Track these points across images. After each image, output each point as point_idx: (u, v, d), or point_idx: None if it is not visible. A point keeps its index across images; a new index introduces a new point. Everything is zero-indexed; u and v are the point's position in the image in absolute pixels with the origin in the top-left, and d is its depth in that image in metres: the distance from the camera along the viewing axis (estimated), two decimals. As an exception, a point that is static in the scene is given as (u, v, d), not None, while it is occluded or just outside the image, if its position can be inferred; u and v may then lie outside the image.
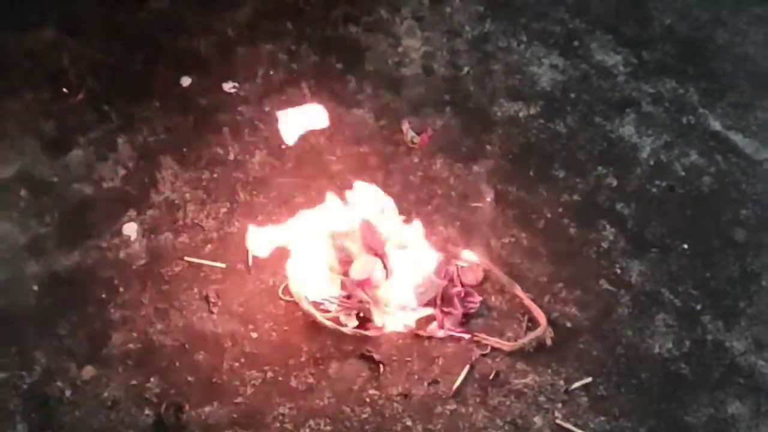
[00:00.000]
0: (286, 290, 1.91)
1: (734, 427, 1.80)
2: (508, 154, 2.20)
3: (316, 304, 1.87)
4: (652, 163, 2.20)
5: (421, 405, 1.79)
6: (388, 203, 1.98)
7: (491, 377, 1.83)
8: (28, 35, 2.33)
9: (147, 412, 1.77)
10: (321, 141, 2.18)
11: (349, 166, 2.15)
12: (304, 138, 2.18)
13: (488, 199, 2.08)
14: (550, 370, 1.85)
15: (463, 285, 1.93)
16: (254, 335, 1.87)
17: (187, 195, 2.07)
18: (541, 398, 1.82)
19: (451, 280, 1.93)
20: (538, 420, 1.79)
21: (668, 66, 2.40)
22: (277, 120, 2.19)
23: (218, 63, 2.33)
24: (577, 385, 1.83)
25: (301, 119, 2.13)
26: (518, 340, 1.87)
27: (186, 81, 2.29)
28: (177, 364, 1.83)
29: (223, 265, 1.96)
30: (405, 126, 2.21)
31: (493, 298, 1.94)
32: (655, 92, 2.34)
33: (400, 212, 2.02)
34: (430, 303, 1.90)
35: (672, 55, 2.43)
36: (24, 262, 1.95)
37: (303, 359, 1.84)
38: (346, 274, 1.90)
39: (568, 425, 1.78)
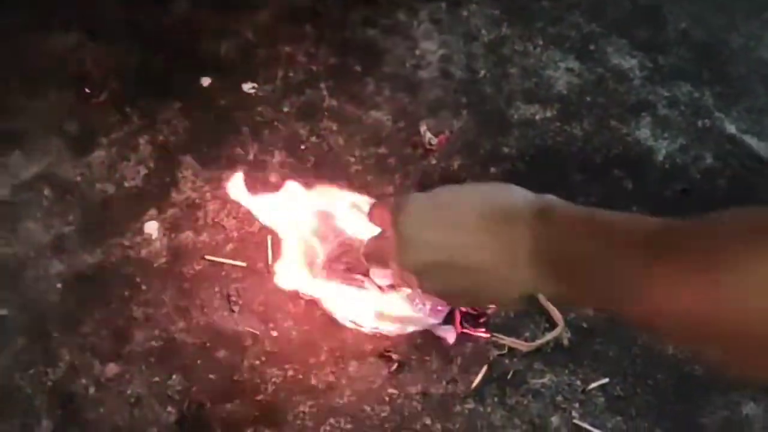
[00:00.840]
0: (306, 289, 1.93)
1: (749, 428, 1.82)
2: (524, 156, 2.22)
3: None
4: (667, 166, 2.22)
5: (440, 404, 1.82)
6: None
7: (509, 377, 1.86)
8: (52, 38, 2.36)
9: (169, 409, 1.80)
10: (340, 142, 2.21)
11: (367, 167, 2.17)
12: (322, 138, 2.21)
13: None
14: (567, 371, 1.87)
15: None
16: (274, 334, 1.90)
17: (208, 194, 2.10)
18: (559, 398, 1.84)
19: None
20: (555, 420, 1.81)
21: (683, 70, 2.42)
22: (295, 119, 2.22)
23: (238, 64, 2.35)
24: (594, 385, 1.86)
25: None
26: (536, 340, 1.89)
27: (206, 82, 2.31)
28: (198, 362, 1.86)
29: (244, 264, 1.98)
30: (422, 128, 2.23)
31: (510, 299, 1.96)
32: (670, 96, 2.36)
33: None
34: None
35: (687, 59, 2.45)
36: (48, 260, 1.98)
37: (323, 358, 1.87)
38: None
39: (585, 425, 1.80)
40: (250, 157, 2.17)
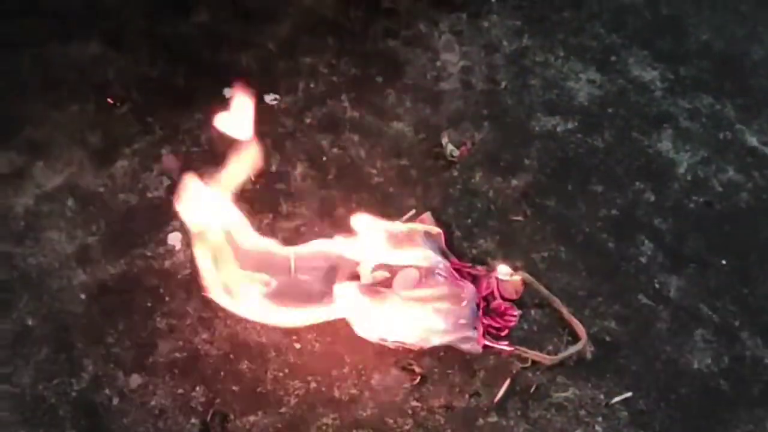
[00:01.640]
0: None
1: (773, 444, 1.82)
2: (546, 168, 2.22)
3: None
4: (689, 178, 2.21)
5: (463, 417, 1.81)
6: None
7: (532, 390, 1.85)
8: (74, 49, 2.37)
9: (193, 420, 1.80)
10: (361, 153, 2.21)
11: (388, 178, 2.17)
12: (344, 150, 2.22)
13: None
14: (590, 384, 1.87)
15: (502, 298, 1.95)
16: (297, 346, 1.90)
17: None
18: (582, 412, 1.83)
19: (492, 294, 1.95)
20: (578, 433, 1.81)
21: (705, 82, 2.42)
22: (316, 130, 2.23)
23: (259, 76, 2.36)
24: (617, 399, 1.85)
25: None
26: (558, 353, 1.89)
27: (228, 93, 2.31)
28: (222, 373, 1.86)
29: (267, 276, 1.98)
30: (444, 139, 2.23)
31: (532, 312, 1.96)
32: (691, 108, 2.36)
33: (439, 225, 2.05)
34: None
35: (708, 71, 2.45)
36: (71, 271, 1.99)
37: (346, 370, 1.87)
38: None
39: (608, 439, 1.80)
40: (273, 168, 2.17)
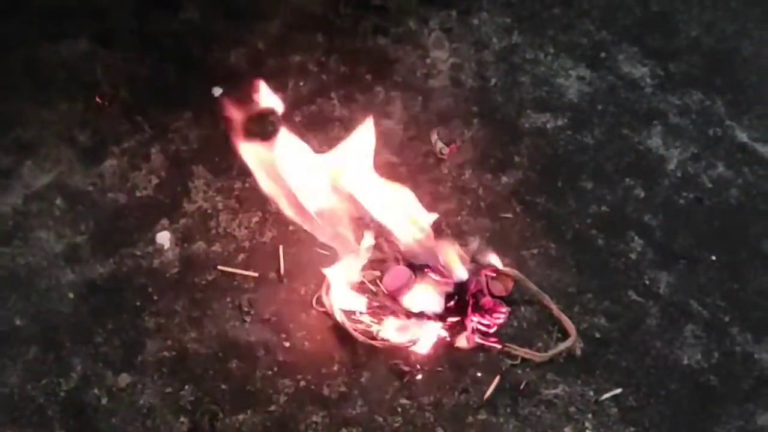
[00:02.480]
0: (319, 300, 1.93)
1: (764, 439, 1.82)
2: (536, 165, 2.22)
3: (349, 314, 1.89)
4: (679, 174, 2.21)
5: (453, 414, 1.81)
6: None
7: (521, 387, 1.85)
8: (63, 47, 2.37)
9: (182, 419, 1.79)
10: (351, 152, 2.20)
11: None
12: (334, 147, 2.20)
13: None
14: (579, 381, 1.87)
15: (492, 295, 1.95)
16: (287, 344, 1.89)
17: (220, 204, 2.10)
18: (572, 409, 1.83)
19: (481, 291, 1.94)
20: (568, 430, 1.80)
21: (695, 78, 2.41)
22: (306, 128, 2.23)
23: (249, 74, 2.35)
24: (607, 395, 1.85)
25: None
26: (548, 350, 1.89)
27: (217, 91, 2.31)
28: (211, 372, 1.86)
29: (256, 274, 1.98)
30: (434, 137, 2.23)
31: (522, 309, 1.96)
32: (681, 104, 2.35)
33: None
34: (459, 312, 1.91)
35: (698, 67, 2.44)
36: (60, 270, 1.99)
37: (335, 368, 1.86)
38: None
39: (598, 436, 1.80)
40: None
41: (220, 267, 1.99)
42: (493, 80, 2.38)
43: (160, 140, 2.21)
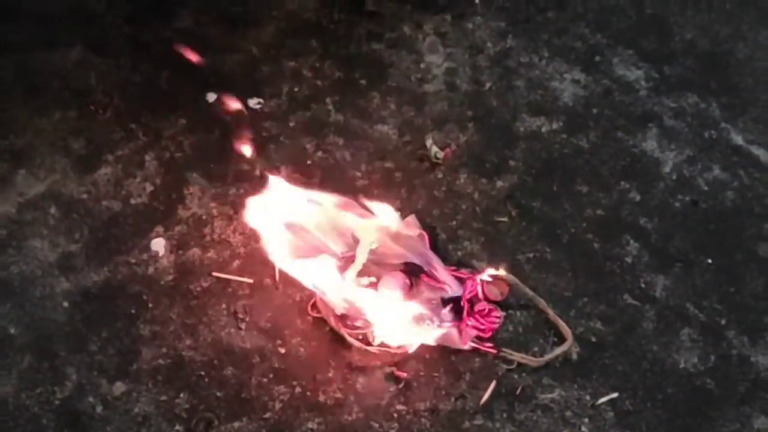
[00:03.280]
0: (314, 306, 1.92)
1: (760, 442, 1.82)
2: (531, 169, 2.21)
3: (343, 320, 1.89)
4: (674, 177, 2.21)
5: (449, 420, 1.81)
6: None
7: (518, 392, 1.84)
8: (56, 54, 2.36)
9: (177, 427, 1.79)
10: (346, 156, 2.20)
11: (373, 181, 2.17)
12: (328, 153, 2.21)
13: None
14: (576, 385, 1.86)
15: (487, 300, 1.94)
16: (282, 350, 1.89)
17: (214, 211, 2.09)
18: (568, 413, 1.83)
19: (476, 295, 1.94)
20: (565, 435, 1.80)
21: (690, 81, 2.41)
22: (301, 134, 2.23)
23: (243, 80, 2.35)
24: (603, 400, 1.84)
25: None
26: (544, 355, 1.88)
27: (211, 97, 2.31)
28: (206, 379, 1.85)
29: (251, 281, 1.97)
30: (428, 141, 2.23)
31: (518, 313, 1.95)
32: (676, 107, 2.35)
33: (424, 228, 2.04)
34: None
35: (693, 70, 2.44)
36: (54, 278, 1.98)
37: (331, 374, 1.86)
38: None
39: (595, 440, 1.80)
40: (257, 172, 2.16)
41: (215, 273, 1.99)
42: (488, 84, 2.38)
43: (154, 147, 2.20)
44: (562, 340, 1.90)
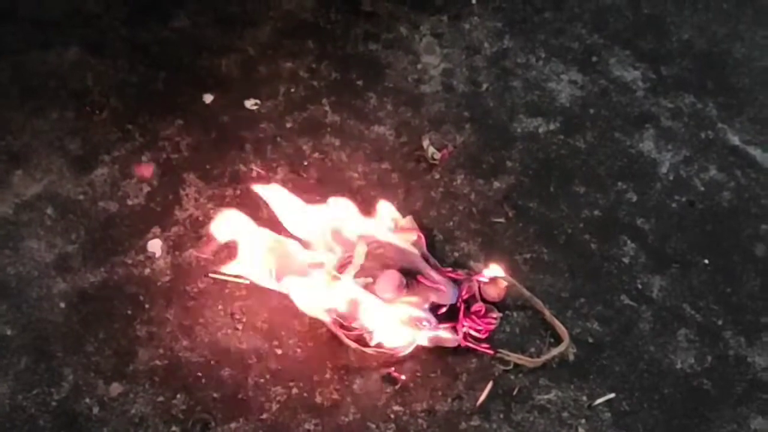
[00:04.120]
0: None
1: (757, 443, 1.82)
2: (528, 169, 2.21)
3: (340, 320, 1.88)
4: (671, 178, 2.21)
5: (446, 421, 1.81)
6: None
7: (514, 393, 1.84)
8: (52, 55, 2.35)
9: (174, 428, 1.79)
10: (343, 157, 2.20)
11: (370, 182, 2.16)
12: (325, 154, 2.21)
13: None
14: (572, 386, 1.86)
15: (484, 301, 1.94)
16: (279, 351, 1.89)
17: (211, 211, 2.09)
18: (565, 414, 1.83)
19: (473, 296, 1.94)
20: (561, 436, 1.80)
21: (687, 81, 2.41)
22: (297, 135, 2.23)
23: (240, 81, 2.35)
24: (600, 400, 1.85)
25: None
26: (541, 356, 1.88)
27: (208, 98, 2.31)
28: (203, 380, 1.85)
29: (248, 282, 1.97)
30: (425, 142, 2.22)
31: (515, 314, 1.95)
32: (673, 107, 2.35)
33: (420, 228, 2.04)
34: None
35: (690, 70, 2.44)
36: (51, 279, 1.98)
37: (327, 375, 1.86)
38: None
39: (591, 441, 1.80)
40: (253, 173, 2.16)
41: (211, 274, 1.98)
42: (485, 85, 2.38)
43: (150, 148, 2.20)
44: (559, 340, 1.90)
